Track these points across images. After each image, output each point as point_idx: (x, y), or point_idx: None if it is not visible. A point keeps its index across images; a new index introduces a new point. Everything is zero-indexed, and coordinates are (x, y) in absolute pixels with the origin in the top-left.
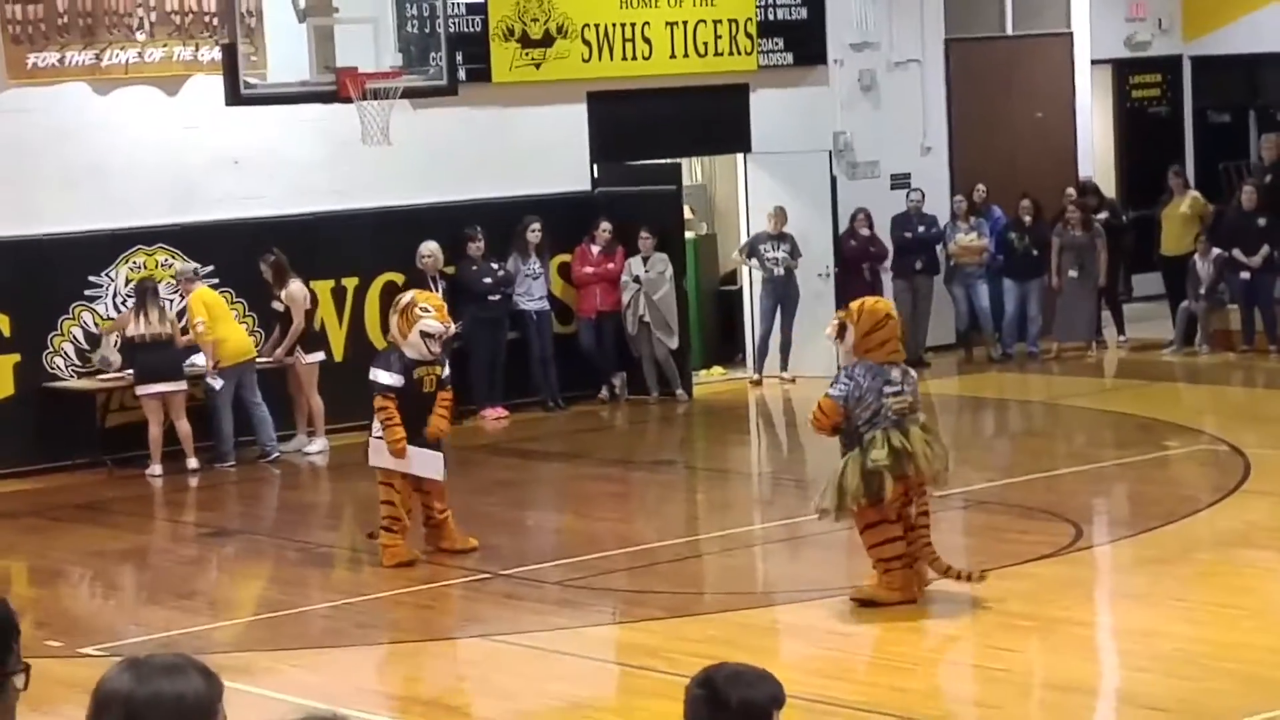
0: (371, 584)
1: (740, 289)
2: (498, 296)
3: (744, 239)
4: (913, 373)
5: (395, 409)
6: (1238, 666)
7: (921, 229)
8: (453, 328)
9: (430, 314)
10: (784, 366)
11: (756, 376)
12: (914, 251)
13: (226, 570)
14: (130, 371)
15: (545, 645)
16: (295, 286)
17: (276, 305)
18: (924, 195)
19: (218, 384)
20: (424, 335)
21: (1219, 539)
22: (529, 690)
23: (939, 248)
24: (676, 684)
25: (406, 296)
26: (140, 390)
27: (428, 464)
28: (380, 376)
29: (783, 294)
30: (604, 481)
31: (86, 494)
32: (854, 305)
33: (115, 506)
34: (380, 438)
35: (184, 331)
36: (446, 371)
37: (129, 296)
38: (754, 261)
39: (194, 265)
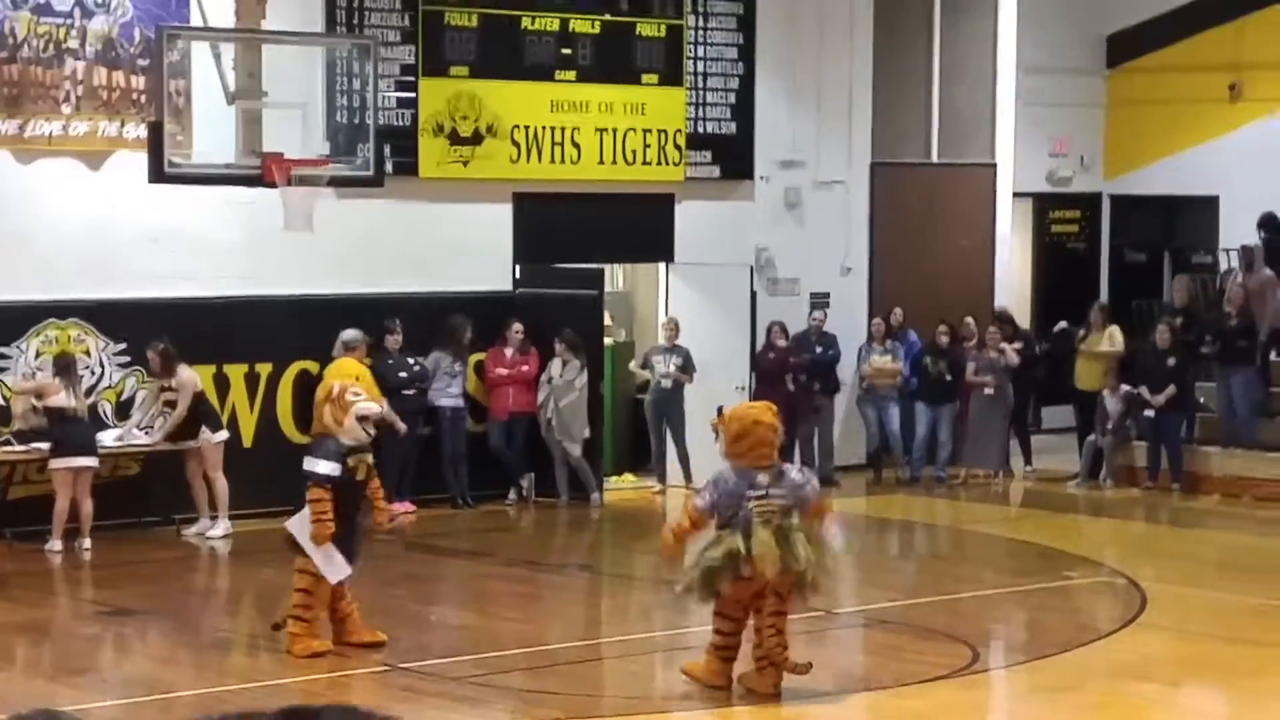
0: (269, 671)
1: None
2: (413, 391)
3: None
4: (793, 476)
5: (329, 500)
6: None
7: (819, 349)
8: (385, 408)
9: (362, 397)
10: (687, 478)
11: (659, 487)
12: (813, 372)
13: (122, 649)
14: (39, 445)
15: None
16: (185, 373)
17: (168, 395)
18: (826, 315)
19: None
20: (360, 419)
21: (1113, 669)
22: None
23: (841, 368)
24: None
25: (335, 385)
26: (55, 464)
27: (333, 567)
28: (319, 466)
29: (667, 407)
30: (509, 581)
31: None
32: (724, 413)
33: (13, 580)
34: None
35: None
36: (371, 459)
37: (38, 369)
38: (647, 372)
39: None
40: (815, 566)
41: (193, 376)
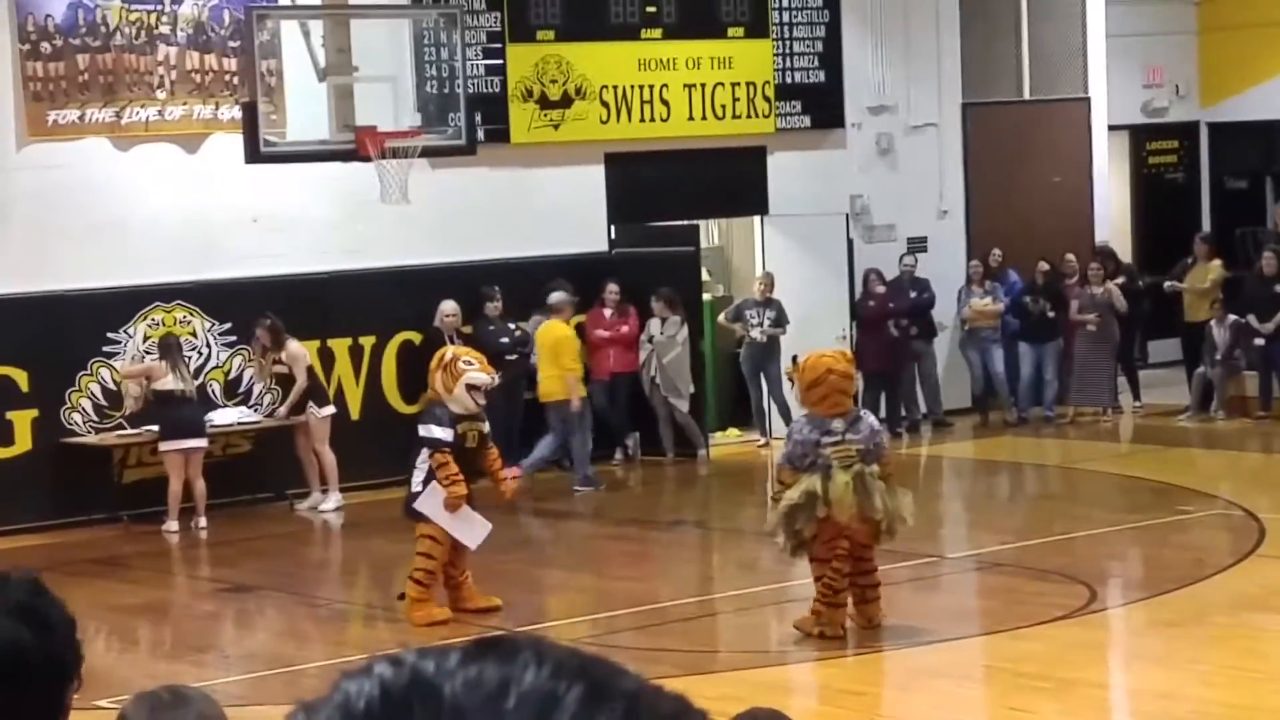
0: (387, 641)
1: None
2: (514, 356)
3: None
4: (869, 422)
5: (453, 463)
6: None
7: (914, 294)
8: (496, 378)
9: (474, 366)
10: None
11: (763, 440)
12: (909, 317)
13: (242, 625)
14: (151, 427)
15: None
16: (295, 346)
17: (279, 368)
18: (917, 260)
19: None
20: (470, 388)
21: (1234, 603)
22: None
23: (938, 311)
24: None
25: (448, 352)
26: (165, 446)
27: (473, 530)
28: (434, 431)
29: (763, 361)
30: (619, 541)
31: (103, 549)
32: (798, 361)
33: (132, 561)
34: (423, 490)
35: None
36: (487, 427)
37: (146, 353)
38: (738, 326)
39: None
40: (892, 514)
41: (302, 349)
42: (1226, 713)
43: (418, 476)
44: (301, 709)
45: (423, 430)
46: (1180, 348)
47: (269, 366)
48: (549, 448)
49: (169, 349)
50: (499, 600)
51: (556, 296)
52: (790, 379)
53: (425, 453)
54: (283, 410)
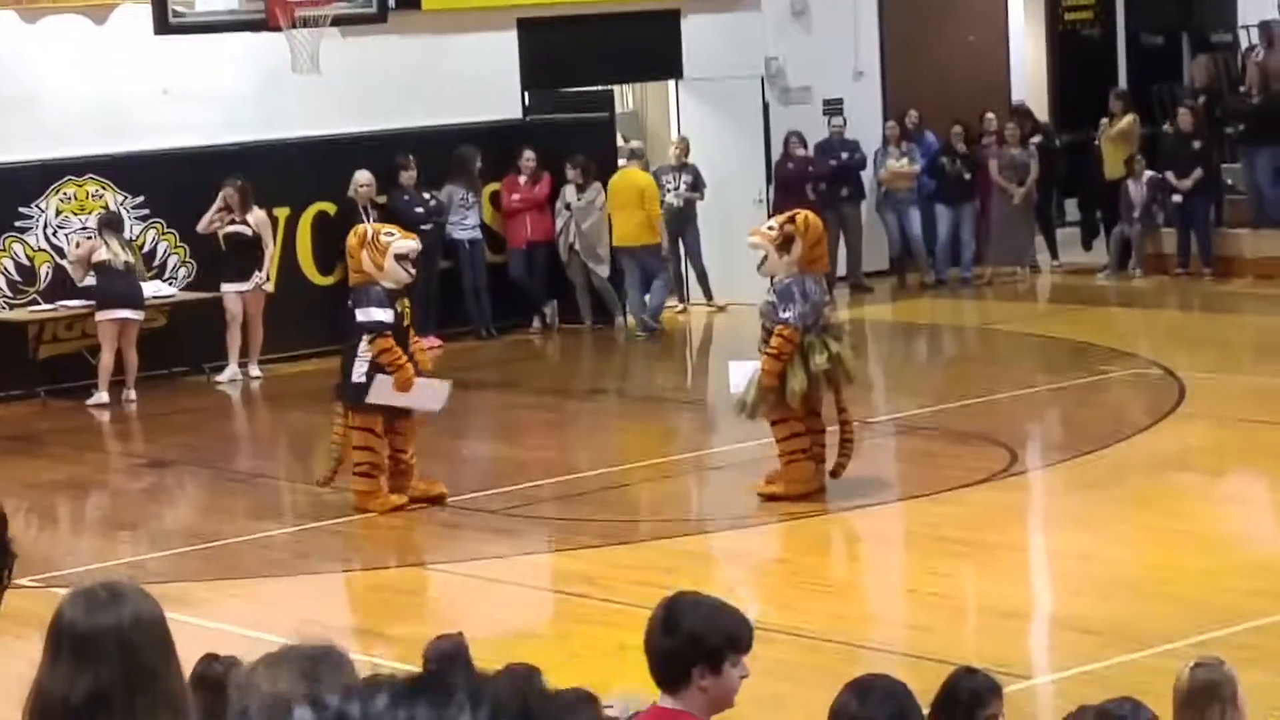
0: (309, 513)
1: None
2: (430, 226)
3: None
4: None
5: (396, 346)
6: (1173, 589)
7: (845, 155)
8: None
9: (395, 237)
10: (707, 295)
11: (681, 306)
12: (838, 179)
13: (163, 501)
14: (68, 302)
15: (484, 573)
16: (260, 212)
17: (234, 228)
18: (846, 121)
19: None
20: (398, 258)
21: (1154, 463)
22: (468, 619)
23: (865, 173)
24: (613, 611)
25: (366, 229)
26: (100, 316)
27: (434, 396)
28: (374, 314)
29: (681, 226)
30: (538, 410)
31: (20, 425)
32: (798, 218)
33: (50, 438)
34: (368, 377)
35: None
36: (408, 301)
37: (66, 228)
38: None
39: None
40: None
41: (265, 215)
42: (1146, 573)
43: (359, 367)
44: None
45: (361, 315)
46: (1077, 206)
47: (223, 226)
48: (665, 290)
49: (105, 223)
50: (444, 487)
51: (636, 144)
52: (789, 237)
53: (365, 340)
54: (261, 275)
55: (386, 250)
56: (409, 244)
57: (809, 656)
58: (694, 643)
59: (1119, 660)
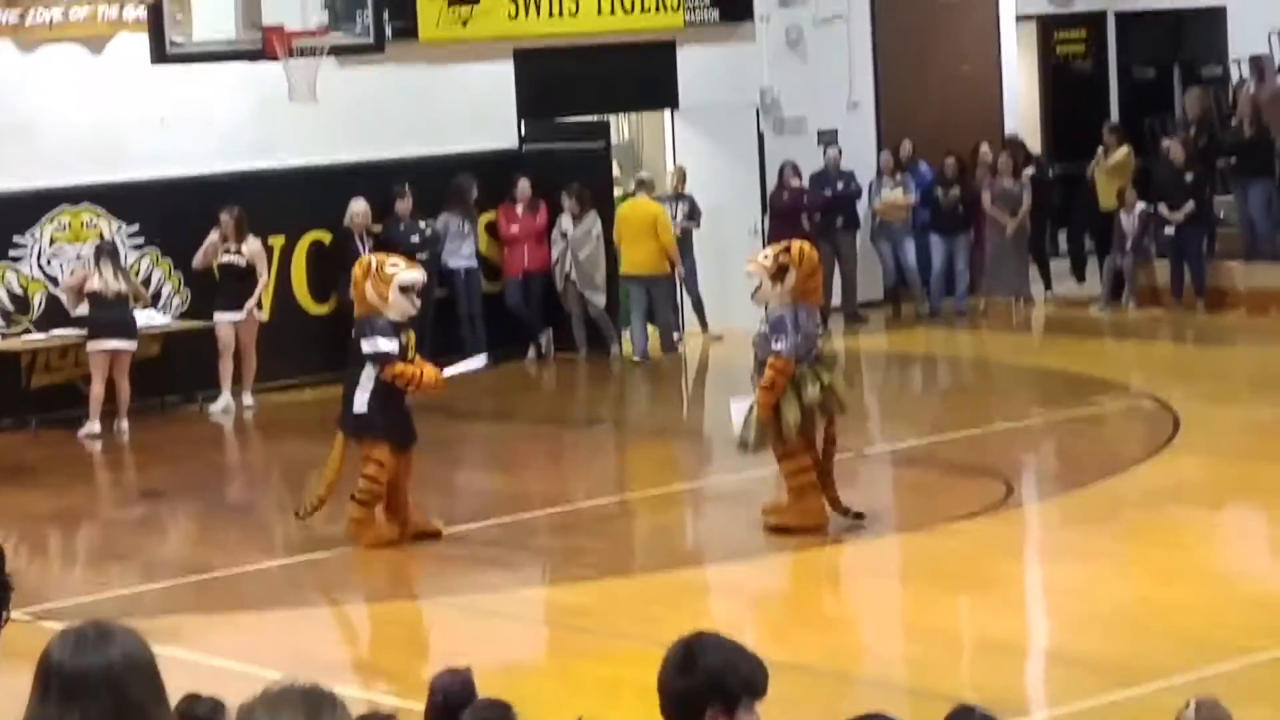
0: (303, 546)
1: None
2: (425, 255)
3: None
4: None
5: (408, 370)
6: (1171, 624)
7: (840, 185)
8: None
9: (400, 267)
10: (703, 324)
11: (677, 335)
12: (834, 209)
13: (157, 532)
14: (61, 331)
15: (479, 606)
16: (255, 242)
17: (229, 258)
18: (841, 151)
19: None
20: (403, 290)
21: (1150, 496)
22: (465, 652)
23: (860, 204)
24: (610, 645)
25: (370, 260)
26: (92, 345)
27: (473, 361)
28: (380, 345)
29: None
30: (533, 440)
31: (12, 455)
32: (794, 249)
33: (42, 467)
34: (369, 407)
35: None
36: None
37: (60, 256)
38: None
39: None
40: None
41: (259, 244)
42: (1143, 608)
43: (361, 397)
44: None
45: (367, 346)
46: (1066, 236)
47: (217, 256)
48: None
49: (99, 252)
50: (441, 525)
51: (645, 174)
52: (784, 267)
53: (369, 369)
54: (251, 304)
55: (391, 282)
56: (414, 275)
57: (806, 691)
58: (711, 684)
59: (1116, 697)
